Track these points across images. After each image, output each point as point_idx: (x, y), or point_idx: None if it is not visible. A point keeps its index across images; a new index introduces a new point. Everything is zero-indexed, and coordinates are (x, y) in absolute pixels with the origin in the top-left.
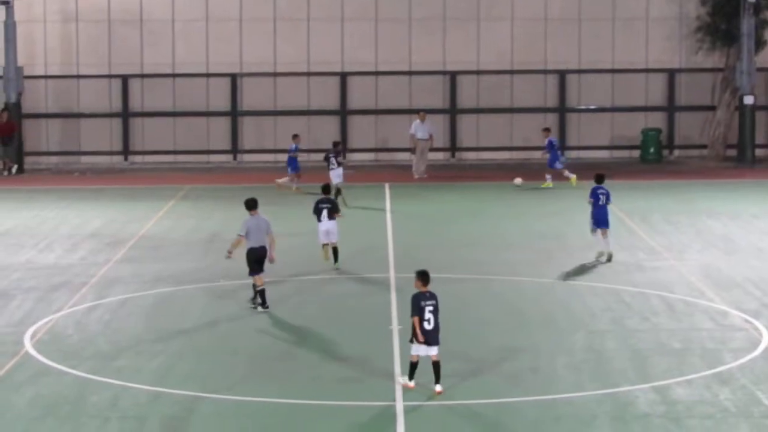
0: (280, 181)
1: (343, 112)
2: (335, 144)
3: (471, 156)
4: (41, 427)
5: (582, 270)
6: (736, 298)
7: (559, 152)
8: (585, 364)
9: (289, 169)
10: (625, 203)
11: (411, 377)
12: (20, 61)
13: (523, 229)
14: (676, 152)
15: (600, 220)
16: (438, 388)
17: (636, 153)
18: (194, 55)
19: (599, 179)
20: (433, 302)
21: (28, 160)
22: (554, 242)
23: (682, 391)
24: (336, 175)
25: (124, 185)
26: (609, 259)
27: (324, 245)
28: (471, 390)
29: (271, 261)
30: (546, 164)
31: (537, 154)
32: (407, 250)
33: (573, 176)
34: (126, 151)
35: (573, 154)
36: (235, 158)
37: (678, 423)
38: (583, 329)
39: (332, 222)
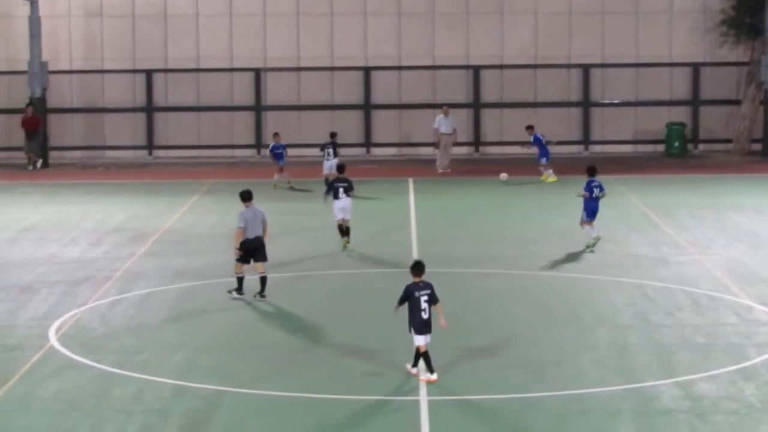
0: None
1: (366, 107)
2: (332, 135)
3: (495, 150)
4: (65, 421)
5: (606, 265)
6: (761, 293)
7: (547, 147)
8: (609, 358)
9: (279, 162)
10: (650, 198)
11: (432, 370)
12: (45, 56)
13: (547, 223)
14: (701, 146)
15: (593, 212)
16: (419, 374)
17: (660, 147)
18: (218, 49)
19: (592, 172)
20: (428, 292)
21: (53, 155)
22: (578, 237)
23: (707, 386)
24: (328, 167)
25: (148, 180)
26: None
27: (339, 224)
28: (495, 384)
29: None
30: (542, 162)
31: (561, 149)
32: (431, 245)
33: (551, 175)
34: (150, 146)
35: (597, 148)
36: (258, 153)
37: (702, 418)
38: (608, 324)
39: (348, 199)
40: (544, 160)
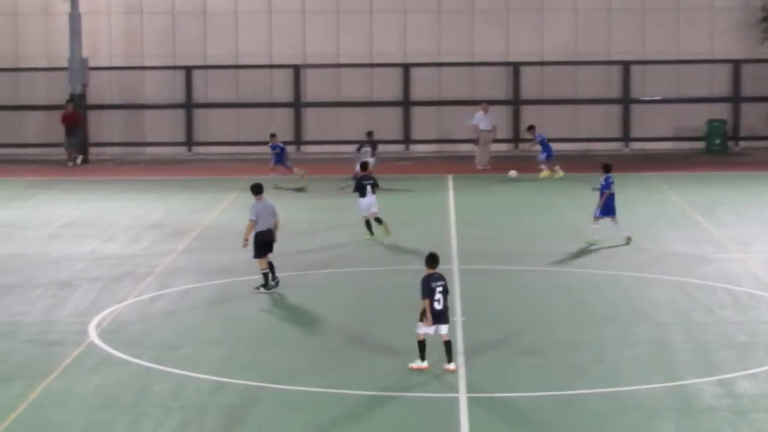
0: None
1: (405, 104)
2: (369, 134)
3: (535, 147)
4: (104, 417)
5: (647, 262)
6: None
7: (550, 145)
8: (650, 356)
9: (287, 164)
10: (690, 195)
11: (423, 358)
12: (85, 53)
13: (587, 220)
14: (741, 143)
15: (611, 209)
16: (451, 366)
17: (700, 144)
18: (257, 46)
19: (608, 169)
20: (443, 283)
21: (93, 151)
22: (619, 234)
23: (748, 384)
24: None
25: (188, 176)
26: (628, 242)
27: (366, 219)
28: (535, 381)
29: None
30: (541, 159)
31: (599, 146)
32: (470, 242)
33: (557, 171)
34: (189, 142)
35: (637, 145)
36: (298, 149)
37: (743, 416)
38: (648, 322)
39: (374, 196)
40: (544, 156)
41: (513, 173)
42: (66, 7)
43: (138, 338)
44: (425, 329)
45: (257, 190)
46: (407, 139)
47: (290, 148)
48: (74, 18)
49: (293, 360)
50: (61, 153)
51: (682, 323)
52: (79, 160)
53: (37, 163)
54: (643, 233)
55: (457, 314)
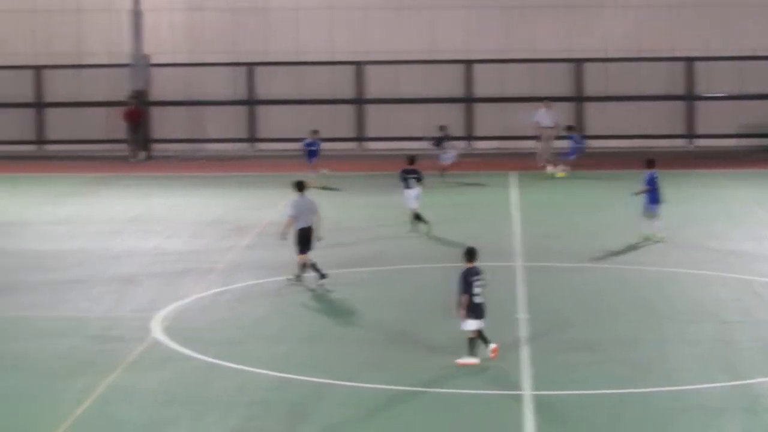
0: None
1: (468, 100)
2: (443, 128)
3: (597, 144)
4: (167, 412)
5: (711, 260)
6: None
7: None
8: (714, 354)
9: (312, 160)
10: (756, 192)
11: (474, 354)
12: (147, 50)
13: (643, 217)
14: None
15: (656, 204)
16: (492, 346)
17: (765, 141)
18: (318, 43)
19: (651, 164)
20: (481, 276)
21: (155, 148)
22: (682, 231)
23: None
24: (449, 157)
25: (250, 172)
26: (657, 240)
27: (415, 212)
28: (597, 379)
29: (319, 239)
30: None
31: (662, 143)
32: (534, 239)
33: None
34: (251, 139)
35: (700, 142)
36: (360, 146)
37: None
38: (713, 320)
39: (417, 190)
40: (571, 156)
41: (552, 169)
42: (127, 4)
43: (201, 334)
44: (472, 325)
45: (299, 186)
46: (470, 136)
47: (353, 145)
48: (136, 15)
49: (356, 356)
50: (123, 149)
51: (747, 321)
52: (141, 157)
53: (99, 159)
54: (704, 230)
55: (519, 311)
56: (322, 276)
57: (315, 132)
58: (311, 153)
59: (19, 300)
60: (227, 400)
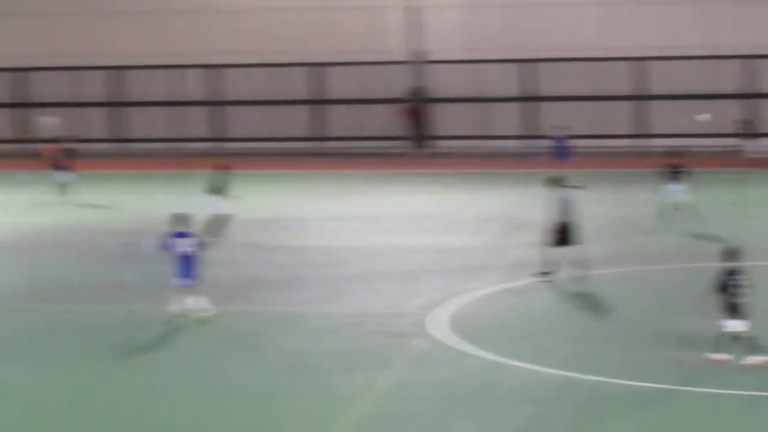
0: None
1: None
2: (746, 122)
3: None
4: (452, 409)
5: None
6: None
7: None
8: None
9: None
10: None
11: (725, 350)
12: (425, 47)
13: None
14: None
15: None
16: (751, 359)
17: None
18: (588, 39)
19: None
20: (743, 277)
21: (438, 144)
22: None
23: None
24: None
25: (530, 169)
26: None
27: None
28: None
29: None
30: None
31: None
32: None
33: None
34: (529, 136)
35: None
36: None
37: None
38: None
39: (680, 186)
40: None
41: (702, 117)
42: (398, 2)
43: (484, 331)
44: (733, 325)
45: (558, 182)
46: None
47: (631, 142)
48: (412, 12)
49: (635, 354)
50: (403, 146)
51: None
52: (422, 153)
53: (379, 156)
54: None
55: None
56: (560, 272)
57: (562, 128)
58: (560, 150)
59: (294, 296)
60: (511, 397)
